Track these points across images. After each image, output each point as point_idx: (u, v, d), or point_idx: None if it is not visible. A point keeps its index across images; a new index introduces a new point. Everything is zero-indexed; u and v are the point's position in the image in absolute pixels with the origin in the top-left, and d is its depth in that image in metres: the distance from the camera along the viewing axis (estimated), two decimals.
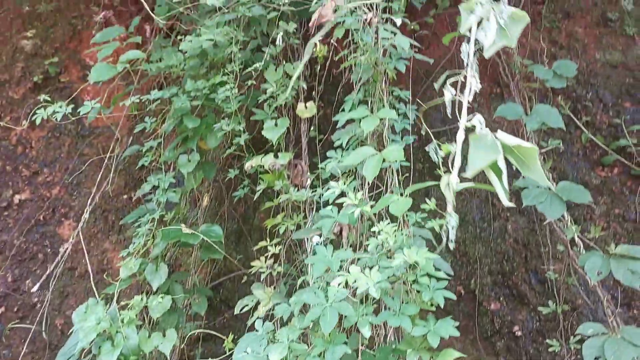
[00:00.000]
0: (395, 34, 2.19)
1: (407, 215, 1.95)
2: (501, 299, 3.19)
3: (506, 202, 1.39)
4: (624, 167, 3.47)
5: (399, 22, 2.26)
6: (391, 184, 2.16)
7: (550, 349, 2.76)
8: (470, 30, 1.63)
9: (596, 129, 3.59)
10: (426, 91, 3.78)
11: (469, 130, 1.48)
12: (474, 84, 1.60)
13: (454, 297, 1.71)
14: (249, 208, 3.36)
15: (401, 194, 1.95)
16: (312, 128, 2.92)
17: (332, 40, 2.56)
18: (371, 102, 2.33)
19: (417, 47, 2.46)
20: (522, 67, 3.29)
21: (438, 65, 3.72)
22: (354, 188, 2.00)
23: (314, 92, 2.97)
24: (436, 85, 1.96)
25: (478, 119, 1.48)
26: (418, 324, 1.67)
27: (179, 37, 3.23)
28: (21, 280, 3.37)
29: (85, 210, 2.97)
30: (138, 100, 2.59)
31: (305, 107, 2.74)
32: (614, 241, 3.35)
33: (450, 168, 1.50)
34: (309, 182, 2.59)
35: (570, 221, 2.85)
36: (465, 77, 1.61)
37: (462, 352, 3.20)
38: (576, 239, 2.79)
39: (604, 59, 3.78)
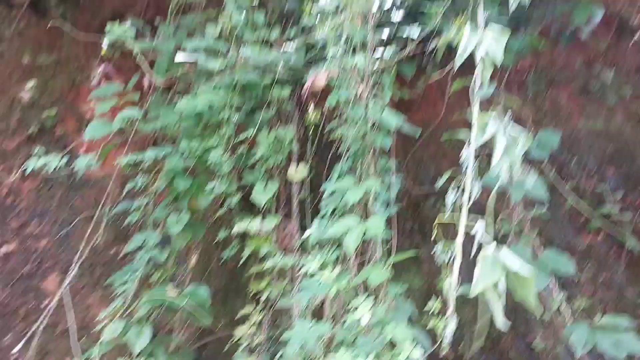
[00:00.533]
0: (383, 110, 2.27)
1: (387, 286, 1.97)
2: None
3: (501, 324, 1.44)
4: (608, 234, 3.53)
5: (388, 96, 2.35)
6: (375, 254, 2.19)
7: None
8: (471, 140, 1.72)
9: (580, 195, 3.66)
10: (416, 152, 3.88)
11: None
12: (474, 190, 1.67)
13: None
14: (237, 266, 3.35)
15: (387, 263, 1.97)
16: (303, 189, 2.96)
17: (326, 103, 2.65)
18: (359, 171, 2.38)
19: (409, 113, 2.55)
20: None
21: (429, 125, 3.83)
22: (337, 258, 2.03)
23: (306, 154, 3.03)
24: (436, 186, 2.05)
25: (480, 226, 1.54)
26: None
27: (177, 94, 3.32)
28: (0, 336, 3.31)
29: (72, 268, 2.95)
30: (131, 159, 2.63)
31: (296, 170, 2.79)
32: (600, 308, 3.37)
33: (450, 268, 1.55)
34: (298, 244, 2.61)
35: (557, 287, 2.88)
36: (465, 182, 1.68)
37: None
38: (562, 308, 2.81)
39: (587, 126, 3.90)
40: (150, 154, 2.65)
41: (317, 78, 2.37)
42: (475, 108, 1.89)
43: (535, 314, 1.63)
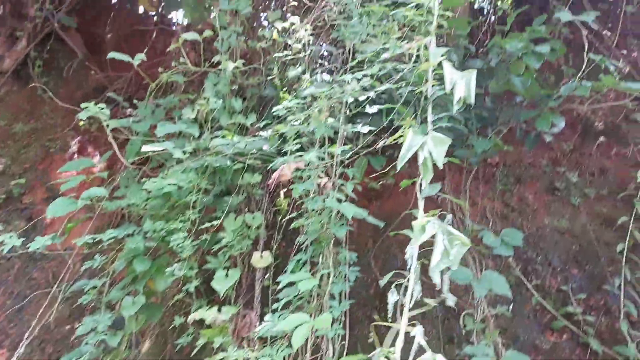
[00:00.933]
0: (341, 201, 2.30)
1: None
2: None
3: None
4: (573, 334, 3.51)
5: (350, 187, 2.39)
6: (327, 352, 2.15)
7: None
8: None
9: (545, 292, 3.67)
10: (384, 240, 3.89)
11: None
12: (416, 290, 1.68)
13: None
14: (193, 353, 3.23)
15: None
16: (267, 276, 2.93)
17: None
18: (320, 262, 2.38)
19: (381, 200, 2.58)
20: (473, 232, 3.43)
21: (399, 213, 3.87)
22: (289, 355, 1.98)
23: (273, 240, 3.02)
24: (381, 283, 2.06)
25: (419, 330, 1.54)
26: None
27: (148, 172, 3.33)
28: None
29: (21, 344, 2.82)
30: (90, 239, 2.59)
31: (261, 257, 2.77)
32: None
33: None
34: (256, 335, 2.54)
35: None
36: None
37: None
38: None
39: (553, 224, 3.99)
40: (110, 234, 2.62)
41: (283, 170, 2.42)
42: (420, 206, 1.93)
43: None
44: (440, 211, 3.79)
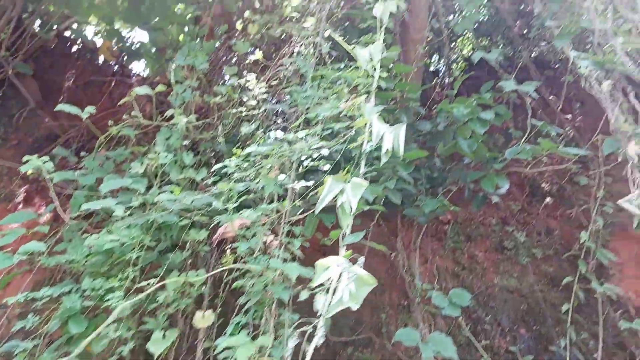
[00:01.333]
0: (286, 261, 2.29)
1: None
2: None
3: None
4: None
5: (297, 246, 2.38)
6: None
7: None
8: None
9: (495, 353, 3.68)
10: None
11: None
12: (319, 336, 1.66)
13: None
14: None
15: None
16: (208, 337, 2.84)
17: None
18: (262, 325, 2.33)
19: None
20: (422, 292, 3.44)
21: None
22: None
23: (217, 300, 2.96)
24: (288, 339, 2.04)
25: None
26: None
27: (91, 226, 3.24)
28: None
29: None
30: (22, 298, 2.48)
31: (203, 316, 2.70)
32: None
33: None
34: None
35: None
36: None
37: None
38: None
39: (502, 283, 4.04)
40: (45, 293, 2.51)
41: (227, 227, 2.39)
42: (341, 253, 1.92)
43: None
44: (389, 266, 3.80)
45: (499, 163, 3.43)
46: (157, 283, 2.49)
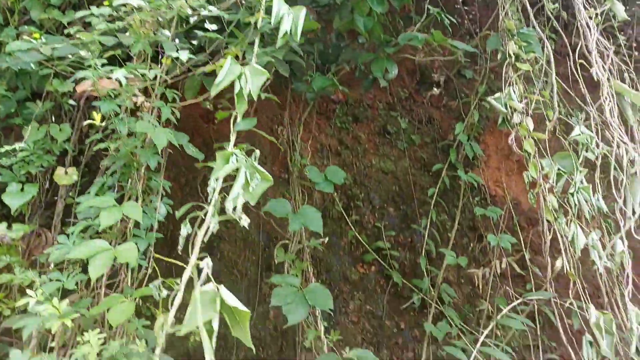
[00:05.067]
0: (155, 127, 2.17)
1: (130, 321, 1.88)
2: None
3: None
4: (380, 267, 3.84)
5: (166, 112, 2.25)
6: (124, 281, 2.08)
7: None
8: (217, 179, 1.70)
9: (362, 227, 3.94)
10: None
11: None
12: (212, 225, 1.65)
13: None
14: None
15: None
16: (71, 193, 2.71)
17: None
18: (127, 189, 2.25)
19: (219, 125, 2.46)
20: (300, 166, 3.50)
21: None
22: (77, 283, 1.87)
23: (82, 158, 2.79)
24: (177, 214, 2.01)
25: (207, 263, 1.52)
26: None
27: None
28: None
29: None
30: None
31: (66, 173, 2.55)
32: (362, 336, 3.65)
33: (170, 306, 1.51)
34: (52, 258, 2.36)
35: (320, 320, 3.03)
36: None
37: None
38: (322, 337, 2.97)
39: (379, 165, 4.23)
40: None
41: (90, 85, 2.18)
42: (232, 140, 1.89)
43: (252, 348, 1.66)
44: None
45: (391, 47, 3.40)
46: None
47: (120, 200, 2.23)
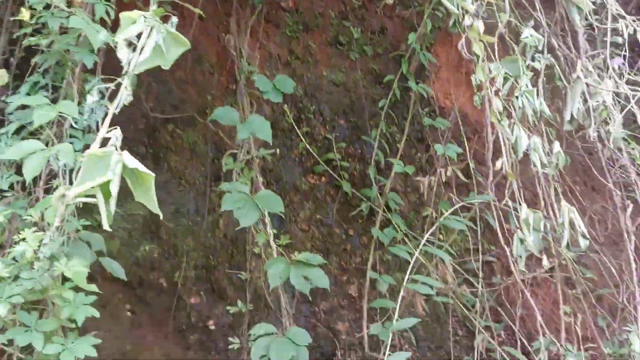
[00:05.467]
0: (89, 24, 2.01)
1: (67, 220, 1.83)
2: (201, 293, 3.28)
3: (106, 226, 1.41)
4: (330, 178, 3.88)
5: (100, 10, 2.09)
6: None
7: (230, 346, 2.95)
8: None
9: (313, 139, 3.93)
10: (163, 73, 3.66)
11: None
12: (125, 96, 1.56)
13: (97, 314, 1.67)
14: None
15: None
16: (4, 98, 2.55)
17: None
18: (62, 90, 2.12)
19: None
20: (248, 74, 3.40)
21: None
22: (12, 185, 1.80)
23: (12, 58, 2.61)
24: (87, 87, 1.89)
25: (115, 134, 1.45)
26: (55, 342, 1.58)
27: None
28: None
29: None
30: None
31: None
32: (312, 243, 3.74)
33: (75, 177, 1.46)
34: None
35: (270, 226, 3.07)
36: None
37: (154, 346, 3.20)
38: (271, 243, 3.02)
39: (330, 77, 4.16)
40: None
41: None
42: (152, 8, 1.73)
43: (159, 214, 1.62)
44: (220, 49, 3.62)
45: None
46: None
47: (54, 102, 2.11)
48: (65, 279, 1.70)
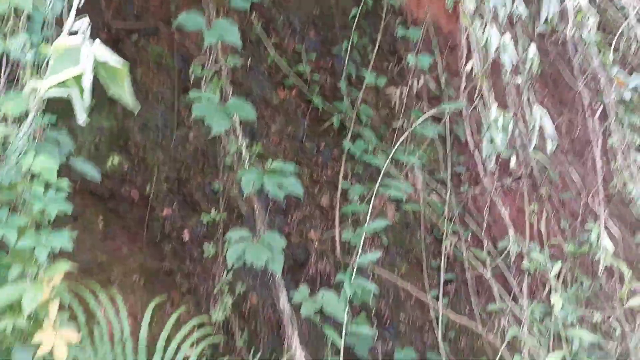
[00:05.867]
0: None
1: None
2: (174, 205, 3.27)
3: (82, 119, 1.36)
4: (301, 91, 3.82)
5: None
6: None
7: (204, 254, 3.00)
8: None
9: (283, 51, 3.83)
10: None
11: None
12: None
13: (70, 210, 1.65)
14: None
15: None
16: None
17: None
18: None
19: None
20: None
21: None
22: None
23: None
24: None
25: (83, 25, 1.38)
26: (28, 236, 1.56)
27: None
28: None
29: None
30: None
31: None
32: (283, 156, 3.73)
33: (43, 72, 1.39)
34: None
35: (242, 136, 3.04)
36: None
37: (129, 257, 3.22)
38: (243, 153, 3.01)
39: None
40: None
41: None
42: None
43: (132, 109, 1.58)
44: None
45: None
46: None
47: None
48: (34, 177, 1.66)
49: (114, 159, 3.20)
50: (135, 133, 3.27)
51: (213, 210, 3.06)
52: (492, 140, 2.27)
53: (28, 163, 1.57)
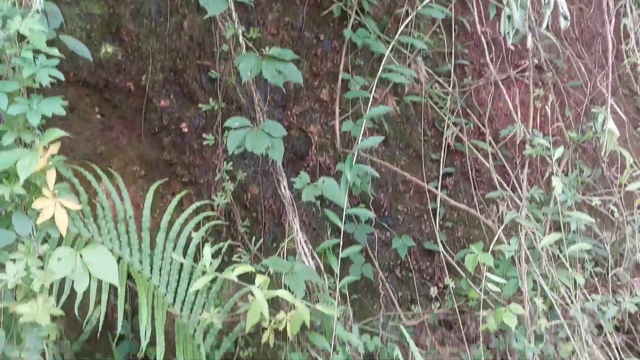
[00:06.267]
0: None
1: None
2: (171, 96, 3.20)
3: None
4: None
5: None
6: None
7: (205, 142, 2.97)
8: None
9: None
10: None
11: None
12: None
13: (62, 77, 1.59)
14: None
15: None
16: None
17: None
18: None
19: None
20: None
21: None
22: None
23: None
24: None
25: None
26: (18, 102, 1.51)
27: None
28: None
29: None
30: None
31: None
32: (281, 46, 3.60)
33: None
34: None
35: (237, 23, 2.91)
36: None
37: (128, 147, 3.20)
38: (240, 39, 2.90)
39: None
40: None
41: None
42: None
43: None
44: None
45: None
46: None
47: None
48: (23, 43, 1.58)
49: (107, 48, 3.09)
50: (128, 20, 3.13)
51: (211, 100, 3.00)
52: (510, 18, 2.17)
53: (15, 26, 1.48)
